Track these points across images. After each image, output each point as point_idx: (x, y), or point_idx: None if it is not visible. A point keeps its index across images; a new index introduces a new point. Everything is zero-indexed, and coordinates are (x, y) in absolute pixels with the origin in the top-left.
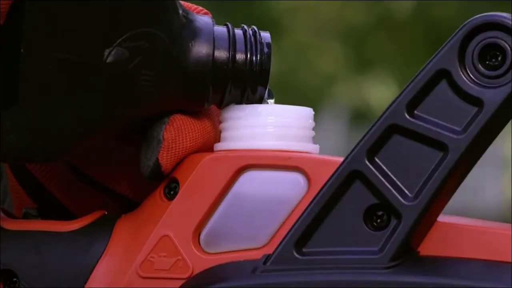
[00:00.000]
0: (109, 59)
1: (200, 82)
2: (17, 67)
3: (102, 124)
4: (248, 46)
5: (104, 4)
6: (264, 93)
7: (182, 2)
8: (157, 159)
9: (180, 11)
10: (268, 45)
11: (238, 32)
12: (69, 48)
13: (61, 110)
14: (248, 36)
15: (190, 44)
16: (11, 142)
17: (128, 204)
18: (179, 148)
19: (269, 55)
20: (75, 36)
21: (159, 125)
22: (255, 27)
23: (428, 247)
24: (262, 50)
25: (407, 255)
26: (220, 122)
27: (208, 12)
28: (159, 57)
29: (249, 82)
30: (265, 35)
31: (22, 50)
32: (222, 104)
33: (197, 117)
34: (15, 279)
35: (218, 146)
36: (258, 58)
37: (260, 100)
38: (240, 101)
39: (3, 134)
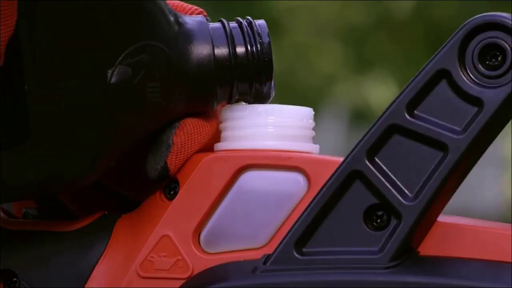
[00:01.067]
0: (113, 79)
1: (206, 83)
2: (23, 103)
3: (116, 142)
4: (247, 39)
5: (98, 27)
6: (271, 84)
7: (176, 3)
8: (166, 163)
9: (171, 18)
10: (266, 34)
11: (234, 25)
12: (71, 76)
13: (75, 136)
14: (245, 28)
15: (189, 48)
16: (29, 177)
17: (129, 204)
18: (187, 152)
19: (269, 44)
20: (75, 63)
21: (169, 130)
22: (249, 18)
23: (428, 247)
24: (261, 40)
25: (407, 255)
26: (220, 122)
27: (203, 10)
28: (161, 67)
29: (254, 74)
30: (261, 24)
31: (26, 87)
32: (232, 100)
33: (206, 119)
34: (15, 279)
35: (218, 146)
36: (259, 48)
37: (269, 91)
38: (249, 95)
39: (20, 172)
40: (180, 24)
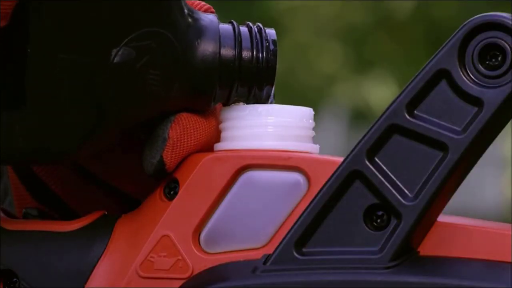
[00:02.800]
0: (116, 59)
1: (207, 80)
2: (22, 69)
3: (109, 124)
4: (254, 44)
5: (110, 4)
6: (271, 91)
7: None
8: (162, 157)
9: (186, 10)
10: (274, 42)
11: (244, 29)
12: (76, 49)
13: (69, 111)
14: (254, 33)
15: (196, 43)
16: (20, 144)
17: (132, 203)
18: (184, 147)
19: (275, 52)
20: (82, 37)
21: (165, 123)
22: (260, 24)
23: (428, 247)
24: (268, 47)
25: (407, 255)
26: (220, 122)
27: (210, 6)
28: (166, 56)
29: (255, 79)
30: (271, 32)
31: (29, 51)
32: (229, 102)
33: (203, 116)
34: (15, 279)
35: (218, 146)
36: (264, 55)
37: (267, 98)
38: (247, 99)
39: (11, 137)
40: (193, 18)
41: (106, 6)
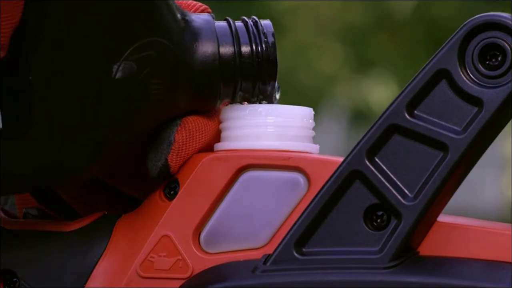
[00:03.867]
0: (118, 75)
1: (210, 81)
2: (26, 94)
3: (117, 136)
4: (252, 38)
5: (104, 23)
6: (275, 84)
7: (179, 2)
8: (166, 160)
9: (178, 15)
10: (271, 34)
11: (239, 25)
12: (77, 70)
13: (76, 129)
14: (250, 27)
15: (194, 46)
16: (26, 170)
17: (131, 203)
18: (189, 150)
19: (273, 44)
20: (81, 57)
21: (170, 127)
22: (255, 17)
23: (428, 247)
24: (266, 40)
25: (407, 255)
26: (220, 122)
27: (207, 7)
28: (166, 64)
29: (258, 73)
30: (267, 24)
31: (30, 78)
32: (235, 99)
33: (208, 117)
34: (15, 279)
35: (218, 146)
36: (264, 48)
37: (272, 91)
38: (252, 94)
39: (15, 165)
40: (186, 21)
41: (100, 25)
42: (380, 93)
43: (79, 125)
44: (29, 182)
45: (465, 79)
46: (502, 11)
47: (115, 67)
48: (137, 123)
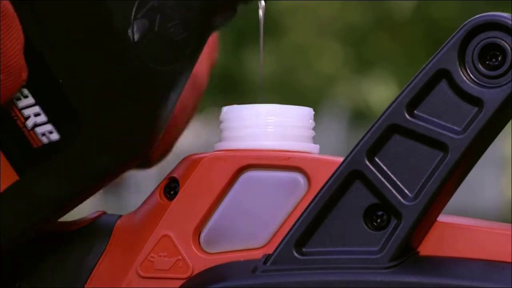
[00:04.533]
0: (136, 37)
1: None
2: (60, 96)
3: (162, 95)
4: None
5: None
6: None
7: None
8: None
9: None
10: None
11: None
12: (95, 51)
13: (124, 108)
14: None
15: None
16: (101, 162)
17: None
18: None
19: None
20: (93, 36)
21: None
22: None
23: (428, 247)
24: None
25: (407, 255)
26: (220, 122)
27: None
28: (171, 3)
29: None
30: None
31: (60, 82)
32: None
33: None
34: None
35: (218, 146)
36: None
37: None
38: None
39: (90, 162)
40: None
41: (99, 5)
42: (380, 93)
43: (124, 104)
44: (106, 170)
45: (465, 79)
46: (502, 11)
47: (130, 31)
48: (175, 74)
